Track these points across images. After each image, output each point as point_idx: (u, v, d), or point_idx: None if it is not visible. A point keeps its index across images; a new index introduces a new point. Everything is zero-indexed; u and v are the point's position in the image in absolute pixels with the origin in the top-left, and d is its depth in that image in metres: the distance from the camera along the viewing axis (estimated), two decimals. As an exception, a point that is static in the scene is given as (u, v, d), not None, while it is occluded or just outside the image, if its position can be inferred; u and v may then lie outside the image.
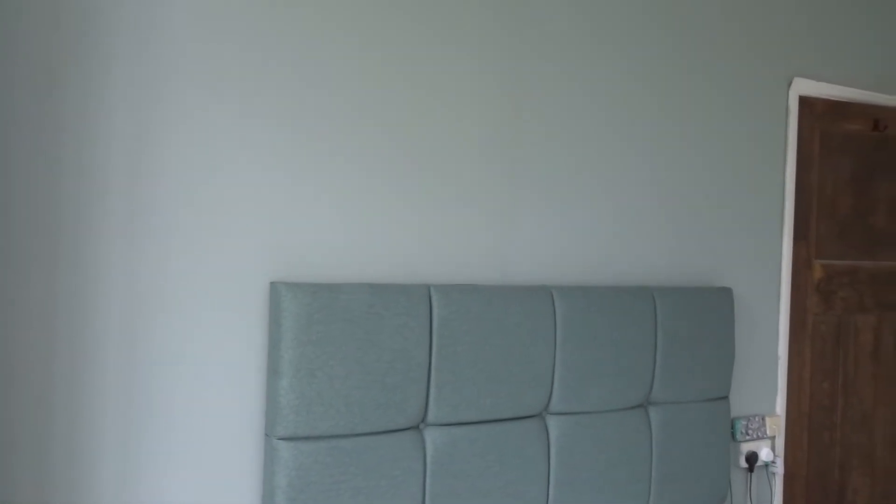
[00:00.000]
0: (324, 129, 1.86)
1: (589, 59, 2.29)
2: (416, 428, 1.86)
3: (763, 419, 2.68)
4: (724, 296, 2.48)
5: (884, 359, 2.94)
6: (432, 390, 1.84)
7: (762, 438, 2.67)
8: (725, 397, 2.47)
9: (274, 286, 1.73)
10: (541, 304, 2.03)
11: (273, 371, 1.70)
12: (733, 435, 2.60)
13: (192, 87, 1.70)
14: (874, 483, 2.92)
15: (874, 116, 2.90)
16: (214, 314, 1.73)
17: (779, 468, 2.72)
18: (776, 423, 2.72)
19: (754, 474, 2.67)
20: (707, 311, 2.41)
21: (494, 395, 1.94)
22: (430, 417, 1.86)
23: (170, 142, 1.69)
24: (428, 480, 1.83)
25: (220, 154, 1.74)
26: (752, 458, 2.62)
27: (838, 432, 2.86)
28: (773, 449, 2.70)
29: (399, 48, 1.97)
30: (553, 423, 2.07)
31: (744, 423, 2.62)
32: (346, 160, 1.89)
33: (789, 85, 2.75)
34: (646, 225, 2.43)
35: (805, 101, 2.77)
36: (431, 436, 1.86)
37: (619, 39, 2.36)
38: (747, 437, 2.63)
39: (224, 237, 1.74)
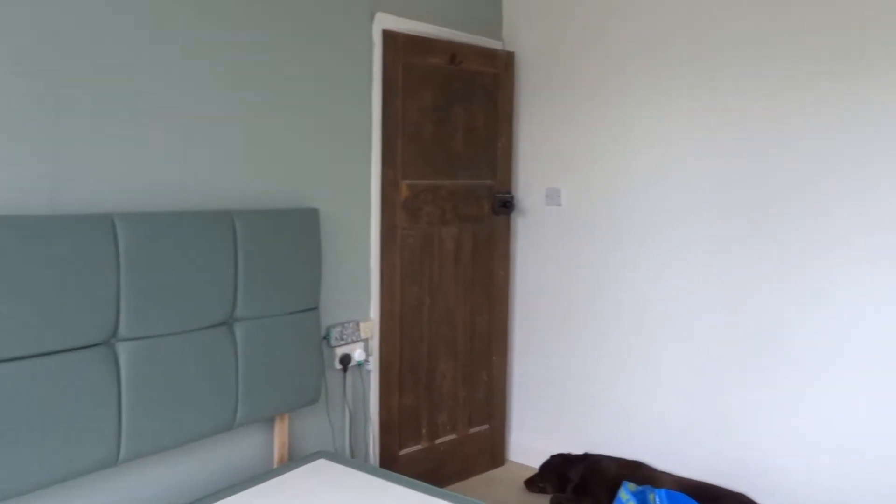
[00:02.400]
0: None
1: (153, -21, 2.24)
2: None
3: (357, 324, 3.01)
4: (310, 216, 2.68)
5: (463, 263, 3.46)
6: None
7: (357, 342, 3.00)
8: (315, 308, 2.71)
9: None
10: (99, 233, 2.00)
11: None
12: (329, 342, 2.88)
13: None
14: (457, 367, 3.47)
15: (451, 51, 3.28)
16: None
17: (372, 365, 3.09)
18: (370, 327, 3.07)
19: (349, 373, 3.00)
20: (293, 232, 2.59)
21: (44, 328, 1.89)
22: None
23: None
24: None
25: None
26: (345, 359, 2.94)
27: (426, 328, 3.32)
28: (366, 350, 3.06)
29: None
30: (123, 349, 2.09)
31: (338, 329, 2.91)
32: None
33: (372, 19, 2.98)
34: (233, 152, 2.50)
35: (388, 35, 3.03)
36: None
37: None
38: (342, 342, 2.94)
39: None
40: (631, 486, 2.99)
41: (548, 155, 3.58)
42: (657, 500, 2.87)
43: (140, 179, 2.24)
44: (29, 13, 1.95)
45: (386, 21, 3.03)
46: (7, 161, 1.93)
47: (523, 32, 3.61)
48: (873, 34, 2.65)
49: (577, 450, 3.54)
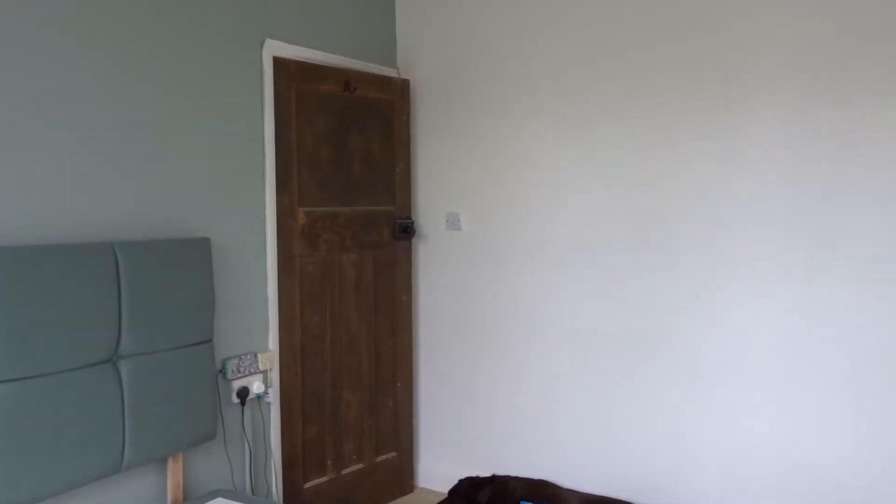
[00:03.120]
0: None
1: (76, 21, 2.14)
2: None
3: (255, 356, 2.93)
4: (201, 246, 2.60)
5: (365, 289, 3.44)
6: None
7: (255, 374, 2.93)
8: (209, 341, 2.62)
9: None
10: (-39, 269, 1.88)
11: None
12: (225, 375, 2.79)
13: None
14: (362, 394, 3.44)
15: (345, 78, 3.30)
16: None
17: (272, 397, 3.01)
18: (269, 358, 2.99)
19: (247, 407, 2.92)
20: (183, 262, 2.51)
21: None
22: None
23: None
24: None
25: None
26: (243, 392, 2.85)
27: (329, 356, 3.27)
28: (265, 381, 2.98)
29: None
30: (-8, 394, 1.96)
31: (235, 361, 2.83)
32: None
33: (262, 46, 2.96)
34: (117, 181, 2.41)
35: (279, 62, 3.02)
36: None
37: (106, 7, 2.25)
38: (239, 375, 2.85)
39: None
40: (536, 504, 3.02)
41: (447, 180, 3.63)
42: (561, 515, 2.92)
43: (10, 210, 2.12)
44: None
45: (276, 48, 3.01)
46: None
47: (418, 60, 3.67)
48: (741, 64, 2.85)
49: (485, 472, 3.56)
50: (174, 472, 2.55)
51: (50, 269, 2.09)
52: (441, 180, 3.65)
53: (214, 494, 2.55)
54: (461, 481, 3.42)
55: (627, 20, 3.09)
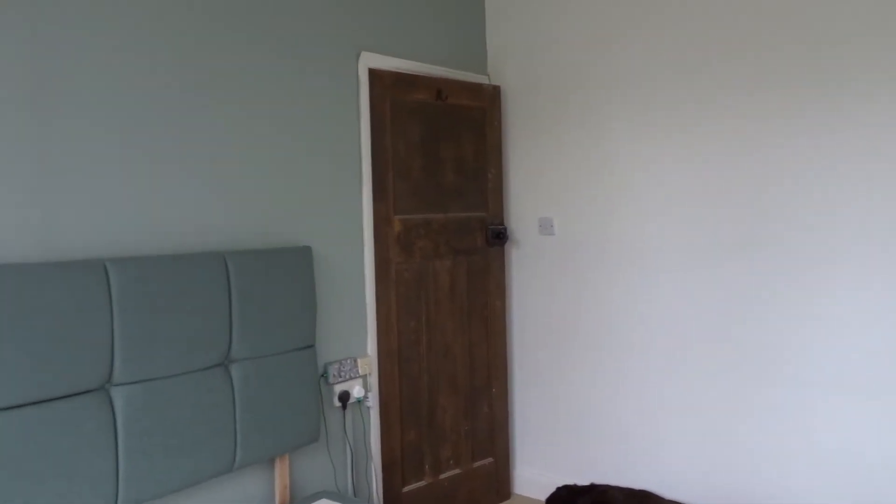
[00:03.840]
0: None
1: (173, 28, 2.29)
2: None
3: (355, 361, 3.00)
4: (303, 254, 2.69)
5: (459, 295, 3.46)
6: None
7: (355, 378, 2.99)
8: (312, 346, 2.70)
9: None
10: (91, 278, 2.01)
11: None
12: (327, 379, 2.87)
13: None
14: (457, 400, 3.45)
15: (437, 87, 3.34)
16: None
17: (371, 401, 3.07)
18: (368, 363, 3.06)
19: (348, 410, 2.98)
20: (286, 270, 2.60)
21: (39, 375, 1.89)
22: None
23: None
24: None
25: None
26: (344, 396, 2.92)
27: (425, 362, 3.31)
28: (365, 386, 3.04)
29: None
30: (118, 394, 2.09)
31: (336, 366, 2.91)
32: None
33: (358, 58, 3.04)
34: (224, 193, 2.53)
35: (375, 74, 3.09)
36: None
37: (204, 18, 2.38)
38: (340, 379, 2.93)
39: None
40: (638, 513, 2.94)
41: (539, 185, 3.61)
42: (665, 526, 2.83)
43: (131, 223, 2.26)
44: (21, 58, 1.99)
45: (371, 60, 3.09)
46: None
47: (508, 66, 3.68)
48: (855, 44, 2.71)
49: (582, 481, 3.50)
50: (282, 473, 2.64)
51: (168, 278, 2.21)
52: (533, 185, 3.63)
53: (319, 496, 2.62)
54: (559, 489, 3.37)
55: (721, 15, 2.98)
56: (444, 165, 3.39)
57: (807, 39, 2.79)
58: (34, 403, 1.90)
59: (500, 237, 3.57)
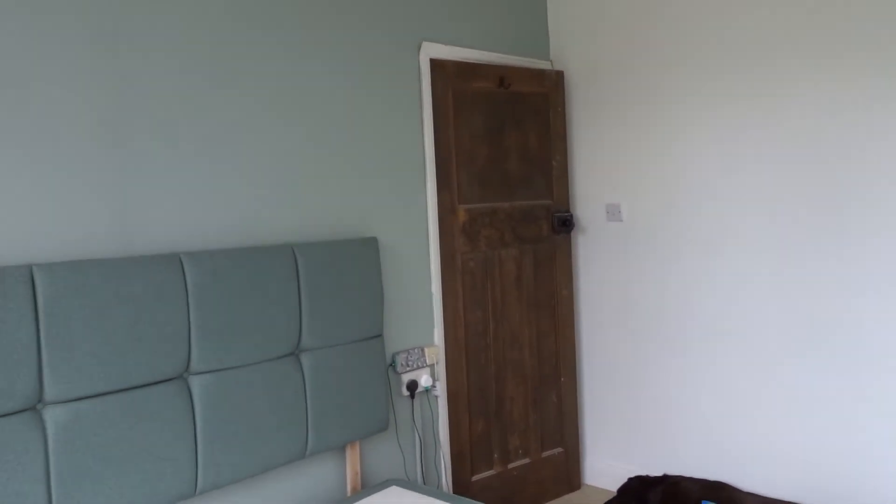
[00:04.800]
0: None
1: (230, 29, 2.35)
2: (32, 409, 1.85)
3: (422, 350, 3.02)
4: (370, 245, 2.72)
5: (526, 284, 3.44)
6: (45, 370, 1.84)
7: (423, 367, 3.01)
8: (379, 335, 2.73)
9: None
10: (167, 271, 2.09)
11: None
12: (395, 368, 2.90)
13: None
14: (525, 390, 3.43)
15: (499, 74, 3.31)
16: None
17: (439, 390, 3.09)
18: (435, 353, 3.07)
19: (416, 399, 3.01)
20: (353, 261, 2.64)
21: (121, 365, 1.98)
22: (48, 396, 1.85)
23: None
24: (52, 460, 1.84)
25: None
26: (412, 385, 2.94)
27: (492, 352, 3.30)
28: (432, 375, 3.06)
29: None
30: (196, 383, 2.16)
31: (403, 356, 2.93)
32: None
33: (419, 49, 3.04)
34: (292, 187, 2.58)
35: (436, 63, 3.09)
36: (52, 414, 1.86)
37: (261, 15, 2.44)
38: (408, 368, 2.95)
39: None
40: (714, 505, 2.87)
41: (605, 170, 3.55)
42: (743, 519, 2.75)
43: (204, 218, 2.33)
44: (100, 66, 2.08)
45: (432, 50, 3.09)
46: (80, 208, 2.04)
47: (571, 51, 3.62)
48: (939, 19, 2.54)
49: (654, 471, 3.43)
50: (352, 461, 2.69)
51: (240, 270, 2.27)
52: (599, 171, 3.57)
53: (389, 483, 2.66)
54: (630, 480, 3.32)
55: (801, -14, 2.85)
56: (508, 153, 3.36)
57: None
58: (118, 392, 1.99)
59: (566, 224, 3.52)
